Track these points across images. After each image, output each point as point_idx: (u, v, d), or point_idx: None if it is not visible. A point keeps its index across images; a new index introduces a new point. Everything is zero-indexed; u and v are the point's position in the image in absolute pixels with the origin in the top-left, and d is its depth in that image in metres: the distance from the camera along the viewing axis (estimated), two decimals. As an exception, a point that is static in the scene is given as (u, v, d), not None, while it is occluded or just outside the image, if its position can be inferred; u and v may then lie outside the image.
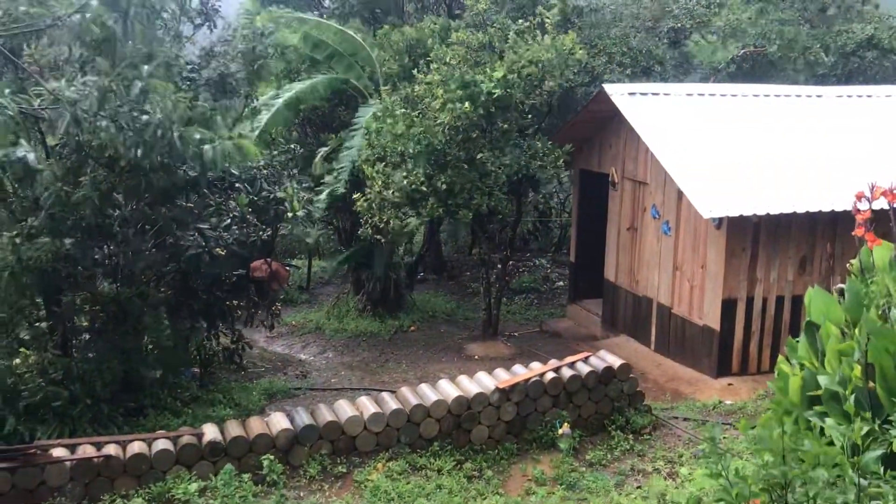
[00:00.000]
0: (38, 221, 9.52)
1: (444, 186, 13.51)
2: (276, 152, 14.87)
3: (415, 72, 14.84)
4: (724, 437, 9.94)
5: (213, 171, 10.44)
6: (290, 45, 16.32)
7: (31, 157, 8.13)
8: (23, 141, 8.59)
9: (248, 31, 12.03)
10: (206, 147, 9.08)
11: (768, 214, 11.84)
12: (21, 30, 8.68)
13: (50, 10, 8.66)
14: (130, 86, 8.59)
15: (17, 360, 10.60)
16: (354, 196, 14.08)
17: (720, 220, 12.06)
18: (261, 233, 12.03)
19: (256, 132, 14.52)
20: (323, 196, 14.92)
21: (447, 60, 14.34)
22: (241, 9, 20.20)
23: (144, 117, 8.69)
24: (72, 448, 8.80)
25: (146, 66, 8.96)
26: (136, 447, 8.88)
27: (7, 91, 8.42)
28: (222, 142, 9.39)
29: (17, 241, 9.35)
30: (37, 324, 10.88)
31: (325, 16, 18.10)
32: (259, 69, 11.47)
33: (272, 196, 12.44)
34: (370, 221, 13.88)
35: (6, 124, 7.88)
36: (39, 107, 8.97)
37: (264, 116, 14.86)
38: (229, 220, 11.65)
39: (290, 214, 12.63)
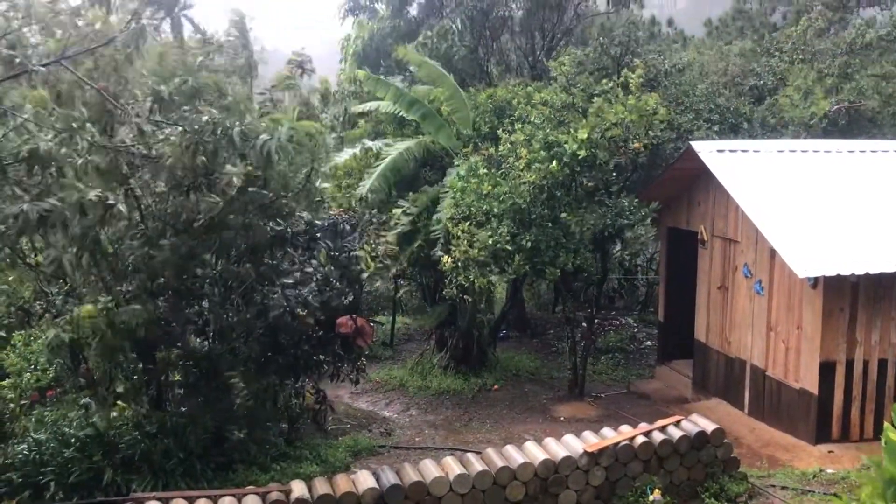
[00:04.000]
0: (131, 287, 9.83)
1: (528, 245, 13.53)
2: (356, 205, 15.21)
3: (499, 132, 15.04)
4: (827, 509, 9.45)
5: (277, 165, 9.84)
6: (381, 111, 16.85)
7: (107, 193, 8.31)
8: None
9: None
10: (263, 137, 8.85)
11: (867, 274, 11.39)
12: (88, 50, 8.81)
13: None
14: (181, 86, 8.60)
15: (114, 413, 10.99)
16: (443, 258, 14.19)
17: (816, 279, 11.66)
18: (343, 298, 12.17)
19: (362, 195, 14.99)
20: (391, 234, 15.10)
21: (531, 120, 14.49)
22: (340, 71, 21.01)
23: (204, 118, 8.59)
24: (165, 501, 8.95)
25: (199, 58, 8.96)
26: (227, 502, 8.99)
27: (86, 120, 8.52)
28: (280, 130, 9.04)
29: (110, 305, 9.69)
30: (133, 377, 11.26)
31: (411, 82, 18.57)
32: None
33: (352, 253, 12.62)
34: (455, 281, 13.96)
35: (89, 157, 8.06)
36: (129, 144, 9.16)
37: (367, 182, 15.32)
38: (313, 283, 11.84)
39: (365, 275, 12.78)
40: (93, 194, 8.01)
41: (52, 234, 8.13)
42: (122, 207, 8.57)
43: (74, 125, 7.87)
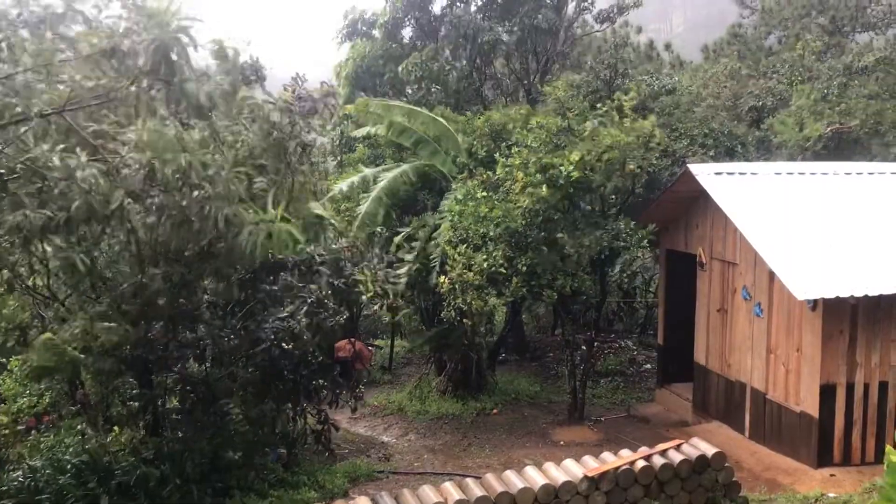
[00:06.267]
0: (103, 307, 9.76)
1: (524, 268, 13.51)
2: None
3: (496, 155, 15.07)
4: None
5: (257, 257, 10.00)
6: (378, 134, 16.89)
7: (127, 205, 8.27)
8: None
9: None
10: (246, 231, 8.89)
11: (867, 296, 11.37)
12: (88, 105, 8.81)
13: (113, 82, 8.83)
14: (173, 160, 8.56)
15: (110, 439, 10.91)
16: (441, 280, 14.17)
17: (815, 301, 11.64)
18: (338, 316, 12.11)
19: (357, 220, 14.96)
20: (402, 270, 15.05)
21: (528, 143, 14.54)
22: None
23: (195, 193, 8.68)
24: (161, 529, 8.89)
25: (194, 134, 8.98)
26: (223, 529, 8.91)
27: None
28: (257, 229, 9.04)
29: (87, 328, 9.64)
30: (130, 402, 11.19)
31: (409, 103, 18.64)
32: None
33: (352, 278, 12.59)
34: (453, 303, 13.93)
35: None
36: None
37: (363, 206, 15.33)
38: (306, 307, 11.80)
39: (364, 297, 12.71)
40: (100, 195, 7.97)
41: (61, 238, 8.09)
42: (136, 206, 8.46)
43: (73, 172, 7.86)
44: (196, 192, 8.37)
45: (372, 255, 13.62)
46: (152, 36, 7.69)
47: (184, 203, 8.35)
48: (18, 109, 7.67)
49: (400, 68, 19.04)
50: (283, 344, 11.32)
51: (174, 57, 7.86)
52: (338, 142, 20.18)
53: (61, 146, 7.94)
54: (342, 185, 16.18)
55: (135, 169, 8.25)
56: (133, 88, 8.10)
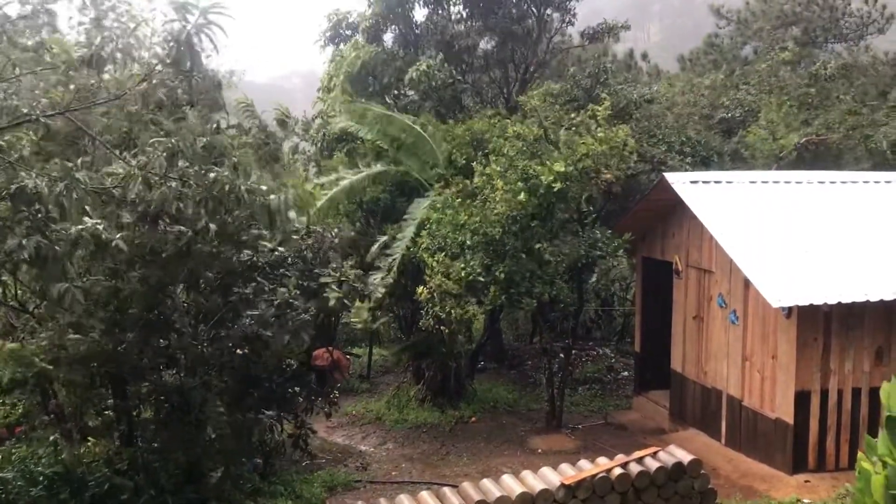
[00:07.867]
0: (73, 317, 9.67)
1: (502, 276, 13.53)
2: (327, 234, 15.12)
3: (473, 164, 15.09)
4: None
5: (278, 226, 10.27)
6: (361, 135, 16.86)
7: (100, 227, 8.26)
8: (90, 211, 8.69)
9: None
10: (272, 197, 9.18)
11: (840, 303, 11.49)
12: (94, 104, 8.87)
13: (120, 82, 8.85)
14: (194, 144, 8.74)
15: (84, 450, 10.76)
16: (418, 289, 14.14)
17: (790, 309, 11.74)
18: (303, 314, 11.98)
19: (316, 208, 14.88)
20: (377, 280, 15.02)
21: (505, 152, 14.58)
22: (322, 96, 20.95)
23: (212, 175, 8.85)
24: (134, 541, 8.78)
25: (216, 118, 9.09)
26: (198, 541, 8.82)
27: (81, 168, 8.49)
28: (286, 190, 9.45)
29: (54, 340, 9.55)
30: (104, 412, 11.05)
31: (394, 110, 18.61)
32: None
33: (319, 279, 12.48)
34: (431, 311, 13.92)
35: (80, 200, 8.01)
36: (111, 185, 9.17)
37: (323, 199, 15.22)
38: (273, 308, 11.71)
39: (331, 303, 12.59)
40: (87, 226, 7.97)
41: (50, 268, 8.04)
42: (121, 244, 8.51)
43: (72, 172, 7.85)
44: (213, 174, 8.58)
45: (330, 243, 13.44)
46: (178, 27, 7.72)
47: (206, 182, 8.54)
48: (24, 111, 7.68)
49: (408, 76, 18.82)
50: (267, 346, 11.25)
51: (198, 49, 7.93)
52: (318, 144, 20.06)
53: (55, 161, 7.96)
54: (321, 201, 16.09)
55: (158, 154, 8.36)
56: (145, 85, 8.18)
